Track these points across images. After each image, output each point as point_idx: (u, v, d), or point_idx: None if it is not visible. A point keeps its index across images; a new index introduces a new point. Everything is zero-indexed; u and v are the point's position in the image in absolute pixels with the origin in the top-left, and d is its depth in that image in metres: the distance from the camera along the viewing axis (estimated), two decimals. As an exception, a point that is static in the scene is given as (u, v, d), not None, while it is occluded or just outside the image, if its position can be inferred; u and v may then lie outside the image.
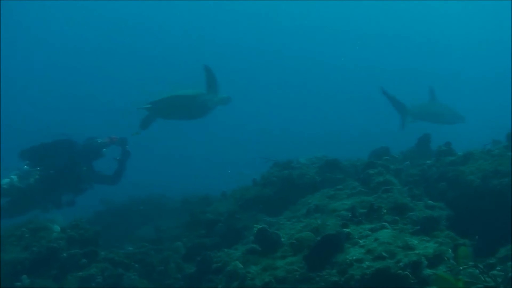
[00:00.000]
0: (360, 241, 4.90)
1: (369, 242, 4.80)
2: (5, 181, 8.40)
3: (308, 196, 7.00)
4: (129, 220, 10.43)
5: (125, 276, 5.91)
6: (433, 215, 5.27)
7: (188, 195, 11.00)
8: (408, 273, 4.05)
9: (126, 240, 8.20)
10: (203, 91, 9.01)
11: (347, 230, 5.10)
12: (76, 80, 37.42)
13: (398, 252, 4.45)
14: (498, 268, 4.08)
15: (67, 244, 6.30)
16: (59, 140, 8.91)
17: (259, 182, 8.23)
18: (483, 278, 3.69)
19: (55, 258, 6.06)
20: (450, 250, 4.45)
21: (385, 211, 5.51)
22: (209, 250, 6.87)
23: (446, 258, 4.27)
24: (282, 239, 5.42)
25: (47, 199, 8.78)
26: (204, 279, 5.61)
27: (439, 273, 3.71)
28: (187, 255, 7.11)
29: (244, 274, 4.93)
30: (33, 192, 8.53)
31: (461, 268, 3.80)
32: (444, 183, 6.51)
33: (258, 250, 5.42)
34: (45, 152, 8.76)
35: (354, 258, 4.53)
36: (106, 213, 11.48)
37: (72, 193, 9.05)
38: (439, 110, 11.74)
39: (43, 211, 8.69)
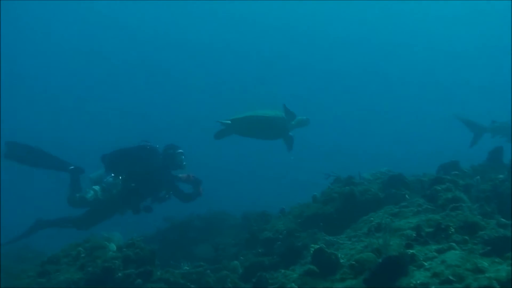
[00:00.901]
0: (426, 264, 4.52)
1: (435, 265, 4.41)
2: (90, 194, 8.64)
3: (370, 213, 6.65)
4: (189, 237, 10.33)
5: (180, 297, 5.77)
6: (506, 234, 4.81)
7: (248, 211, 10.84)
8: (480, 301, 3.66)
9: (184, 258, 8.08)
10: (282, 113, 8.87)
11: (412, 251, 4.73)
12: (77, 80, 37.84)
13: (467, 276, 4.05)
14: None
15: (123, 264, 6.21)
16: (141, 146, 8.99)
17: (319, 199, 7.93)
18: None
19: (110, 278, 5.98)
20: (526, 273, 4.00)
21: (453, 230, 5.09)
22: (266, 270, 6.69)
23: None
24: (342, 260, 5.10)
25: (127, 207, 9.01)
26: (260, 301, 5.37)
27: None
28: (245, 274, 6.90)
29: (300, 298, 4.65)
30: (115, 203, 8.85)
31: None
32: (520, 200, 5.99)
33: (316, 272, 5.12)
34: (126, 158, 8.83)
35: (419, 282, 4.16)
36: (168, 230, 11.46)
37: (151, 200, 9.14)
38: None
39: (120, 215, 9.12)
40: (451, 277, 4.07)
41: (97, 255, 6.32)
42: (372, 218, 6.32)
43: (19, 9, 32.40)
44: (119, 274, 6.01)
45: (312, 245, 5.25)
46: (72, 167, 9.37)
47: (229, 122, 8.91)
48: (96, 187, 8.87)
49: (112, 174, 8.93)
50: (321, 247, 5.13)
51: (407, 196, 7.13)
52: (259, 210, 10.10)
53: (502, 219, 5.43)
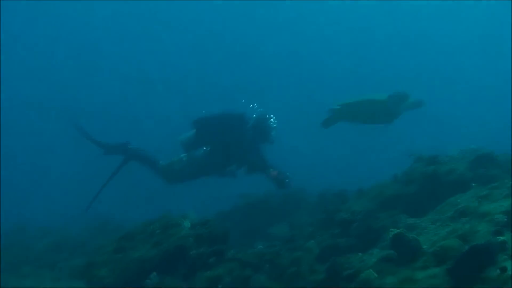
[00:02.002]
0: (518, 253, 4.09)
1: (530, 255, 3.99)
2: (176, 165, 8.88)
3: (456, 195, 6.18)
4: (264, 216, 10.20)
5: (254, 277, 5.62)
6: None
7: (324, 190, 10.55)
8: None
9: (258, 237, 7.97)
10: (392, 96, 8.47)
11: (502, 238, 4.29)
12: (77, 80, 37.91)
13: None
14: None
15: (196, 242, 6.16)
16: (233, 113, 8.89)
17: (400, 179, 7.51)
18: None
19: (183, 256, 5.95)
20: None
21: (552, 216, 4.60)
22: (342, 252, 6.43)
23: None
24: (424, 246, 4.74)
25: (212, 172, 9.03)
26: (334, 287, 5.12)
27: None
28: (321, 256, 6.67)
29: (379, 286, 4.36)
30: (201, 171, 8.89)
31: None
32: None
33: (395, 258, 4.81)
34: (217, 123, 8.78)
35: (510, 273, 3.76)
36: (244, 208, 11.40)
37: (236, 166, 9.03)
38: None
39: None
40: (549, 270, 3.65)
41: (171, 232, 6.31)
42: (458, 201, 5.86)
43: (19, 9, 33.01)
44: (192, 252, 5.97)
45: (392, 229, 4.91)
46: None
47: (339, 107, 8.55)
48: (184, 157, 8.93)
49: (200, 140, 8.86)
50: (401, 232, 4.80)
51: (498, 176, 6.60)
52: (336, 189, 9.81)
53: None
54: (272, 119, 8.83)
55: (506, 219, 4.65)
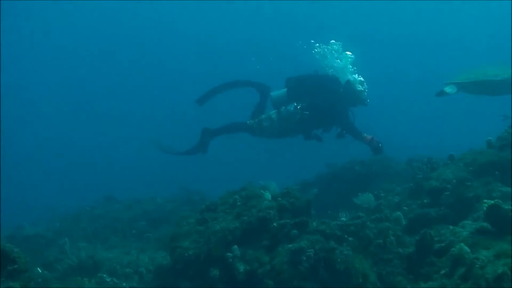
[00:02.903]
0: None
1: None
2: (266, 122, 8.80)
3: (559, 161, 5.69)
4: (349, 185, 9.95)
5: (338, 250, 5.45)
6: None
7: (412, 156, 10.13)
8: None
9: (343, 207, 7.75)
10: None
11: None
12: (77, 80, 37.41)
13: None
14: None
15: (278, 213, 6.06)
16: (326, 76, 8.90)
17: (494, 144, 7.01)
18: None
19: (265, 228, 5.87)
20: None
21: None
22: (433, 223, 6.12)
23: None
24: (522, 218, 4.39)
25: (300, 133, 8.99)
26: (425, 261, 4.87)
27: None
28: (409, 227, 6.41)
29: (471, 261, 4.08)
30: (290, 130, 8.87)
31: None
32: None
33: (490, 230, 4.49)
34: (310, 84, 8.78)
35: None
36: (328, 176, 11.21)
37: (324, 129, 8.98)
38: None
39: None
40: None
41: (253, 204, 6.23)
42: (561, 167, 5.38)
43: (19, 9, 32.98)
44: (274, 224, 5.88)
45: (485, 200, 4.57)
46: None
47: (454, 86, 8.20)
48: (273, 114, 8.86)
49: (292, 99, 8.79)
50: (496, 203, 4.45)
51: None
52: (424, 155, 9.36)
53: None
54: (364, 82, 8.74)
55: None
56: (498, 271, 3.67)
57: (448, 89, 8.17)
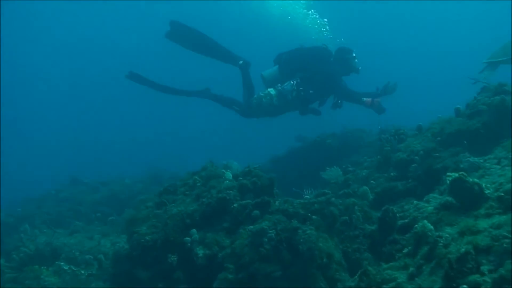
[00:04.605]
0: None
1: None
2: (266, 99, 8.79)
3: (527, 128, 5.47)
4: (321, 159, 9.69)
5: (300, 230, 5.20)
6: None
7: (384, 128, 9.90)
8: None
9: (311, 183, 7.51)
10: None
11: None
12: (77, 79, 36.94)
13: None
14: None
15: (239, 194, 5.78)
16: (316, 47, 8.89)
17: (463, 112, 6.78)
18: None
19: (226, 209, 5.60)
20: None
21: None
22: (400, 197, 5.90)
23: None
24: (487, 191, 4.15)
25: (296, 109, 8.99)
26: (387, 239, 4.64)
27: None
28: (376, 201, 6.18)
29: (434, 239, 3.85)
30: (287, 107, 8.91)
31: None
32: None
33: (454, 205, 4.26)
34: (300, 57, 8.79)
35: None
36: (299, 151, 10.96)
37: (318, 103, 9.07)
38: None
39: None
40: None
41: (213, 184, 5.93)
42: (528, 135, 5.16)
43: (19, 9, 32.06)
44: (235, 205, 5.60)
45: (449, 174, 4.32)
46: (241, 61, 9.37)
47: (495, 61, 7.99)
48: (272, 91, 8.78)
49: (285, 75, 8.83)
50: (460, 176, 4.21)
51: None
52: (396, 126, 9.13)
53: None
54: (353, 52, 8.82)
55: None
56: (461, 250, 3.42)
57: (487, 71, 7.96)
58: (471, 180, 4.18)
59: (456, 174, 4.25)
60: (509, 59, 7.54)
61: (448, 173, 4.35)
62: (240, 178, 6.06)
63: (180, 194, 6.16)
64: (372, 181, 6.77)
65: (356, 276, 4.05)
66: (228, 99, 9.23)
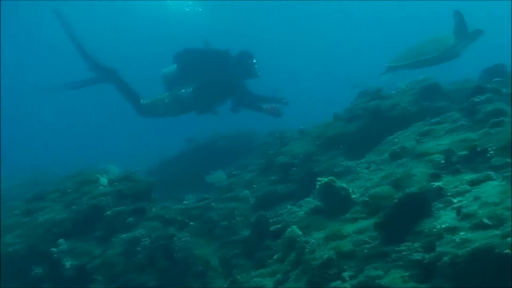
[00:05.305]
0: (455, 200, 3.59)
1: (467, 202, 3.49)
2: (159, 107, 8.47)
3: (396, 132, 5.67)
4: (210, 161, 9.57)
5: (176, 237, 5.05)
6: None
7: (272, 131, 9.97)
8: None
9: (195, 187, 7.40)
10: (448, 40, 7.81)
11: (438, 184, 3.79)
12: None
13: (508, 218, 3.11)
14: None
15: (114, 200, 5.53)
16: (217, 49, 8.63)
17: (342, 116, 6.94)
18: None
19: (99, 217, 5.33)
20: None
21: (492, 152, 4.11)
22: (281, 201, 5.92)
23: None
24: (354, 196, 4.23)
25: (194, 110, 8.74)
26: (260, 245, 4.62)
27: None
28: (257, 205, 6.15)
29: (301, 245, 3.85)
30: (182, 110, 8.62)
31: None
32: None
33: (324, 209, 4.30)
34: (199, 58, 8.51)
35: (444, 226, 3.26)
36: (190, 153, 10.78)
37: (219, 103, 8.82)
38: None
39: None
40: (485, 220, 3.15)
41: (86, 190, 5.63)
42: (396, 140, 5.35)
43: (19, 9, 30.55)
44: (108, 213, 5.34)
45: (319, 178, 4.35)
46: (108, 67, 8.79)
47: (395, 65, 8.02)
48: (166, 98, 8.45)
49: (184, 76, 8.48)
50: (328, 181, 4.25)
51: (445, 108, 6.10)
52: (288, 129, 9.21)
53: (556, 134, 4.35)
54: (253, 58, 8.56)
55: (443, 161, 4.14)
56: (324, 256, 3.44)
57: (388, 74, 8.11)
58: (338, 185, 4.23)
59: (326, 179, 4.29)
60: (409, 64, 7.85)
61: (318, 178, 4.38)
62: (116, 183, 5.80)
63: (49, 201, 5.78)
64: (254, 185, 6.75)
65: (225, 286, 3.97)
66: (132, 92, 8.79)
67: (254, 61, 8.59)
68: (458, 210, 3.37)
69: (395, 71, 8.05)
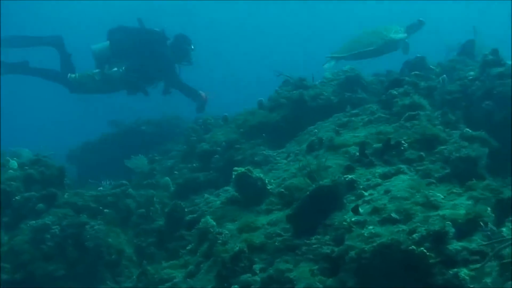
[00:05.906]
0: (366, 193, 3.65)
1: (377, 196, 3.56)
2: (88, 82, 8.21)
3: (317, 123, 5.70)
4: (133, 146, 9.31)
5: (88, 225, 4.87)
6: (470, 154, 3.91)
7: (200, 116, 9.81)
8: (426, 250, 2.78)
9: (115, 173, 7.17)
10: (388, 32, 7.72)
11: (351, 176, 3.83)
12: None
13: (415, 213, 3.18)
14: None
15: (24, 185, 5.25)
16: (153, 29, 8.36)
17: (266, 105, 6.91)
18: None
19: (7, 202, 5.04)
20: (489, 209, 3.13)
21: (406, 146, 4.20)
22: (201, 189, 5.84)
23: (482, 224, 2.97)
24: (270, 186, 4.22)
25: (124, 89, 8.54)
26: (174, 235, 4.54)
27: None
28: (177, 193, 6.05)
29: (214, 236, 3.79)
30: (113, 87, 8.42)
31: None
32: (490, 102, 4.96)
33: (240, 200, 4.27)
34: (134, 38, 8.24)
35: (353, 219, 3.30)
36: (114, 137, 10.43)
37: (150, 85, 8.59)
38: None
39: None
40: (394, 215, 3.21)
41: (-6, 175, 5.32)
42: (315, 130, 5.37)
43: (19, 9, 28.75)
44: (17, 198, 5.07)
45: (235, 168, 4.31)
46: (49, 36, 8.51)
47: (337, 56, 7.88)
48: (96, 75, 8.12)
49: (116, 54, 8.18)
50: (244, 172, 4.21)
51: (365, 100, 6.20)
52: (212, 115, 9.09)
53: (467, 130, 4.49)
54: (191, 43, 8.47)
55: (358, 153, 4.19)
56: (235, 248, 3.39)
57: (328, 65, 8.06)
58: (255, 175, 4.20)
59: (242, 169, 4.25)
60: (350, 55, 7.93)
61: (235, 168, 4.33)
62: (26, 167, 5.50)
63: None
64: (175, 172, 6.63)
65: (134, 276, 3.86)
66: (51, 72, 8.49)
67: (192, 47, 8.50)
68: (359, 206, 3.43)
69: (336, 61, 8.14)
